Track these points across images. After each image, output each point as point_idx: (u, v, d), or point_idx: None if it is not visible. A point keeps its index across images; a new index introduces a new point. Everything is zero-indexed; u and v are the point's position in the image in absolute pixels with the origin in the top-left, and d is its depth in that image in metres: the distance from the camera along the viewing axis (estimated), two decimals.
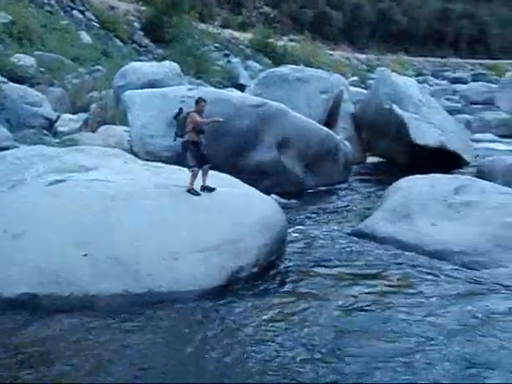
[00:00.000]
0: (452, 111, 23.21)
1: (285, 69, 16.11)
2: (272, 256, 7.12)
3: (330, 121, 14.60)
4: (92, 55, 25.14)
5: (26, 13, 24.28)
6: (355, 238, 8.44)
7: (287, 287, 6.52)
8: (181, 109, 7.42)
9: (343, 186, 12.58)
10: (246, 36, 51.64)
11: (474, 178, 9.83)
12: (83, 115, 15.43)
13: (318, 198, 11.49)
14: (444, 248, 7.47)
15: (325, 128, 12.67)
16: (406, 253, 7.62)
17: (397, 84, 15.23)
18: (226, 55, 40.40)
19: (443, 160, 13.77)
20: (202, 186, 7.33)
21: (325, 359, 4.82)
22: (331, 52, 63.52)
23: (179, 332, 5.30)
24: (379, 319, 5.60)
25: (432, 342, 5.08)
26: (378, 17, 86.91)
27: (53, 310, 5.58)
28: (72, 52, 23.81)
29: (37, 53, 21.04)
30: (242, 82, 29.87)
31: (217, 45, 43.09)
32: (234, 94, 14.33)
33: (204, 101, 7.34)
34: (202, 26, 42.84)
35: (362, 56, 72.22)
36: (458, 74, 64.91)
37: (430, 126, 14.39)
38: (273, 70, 17.14)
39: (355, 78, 44.66)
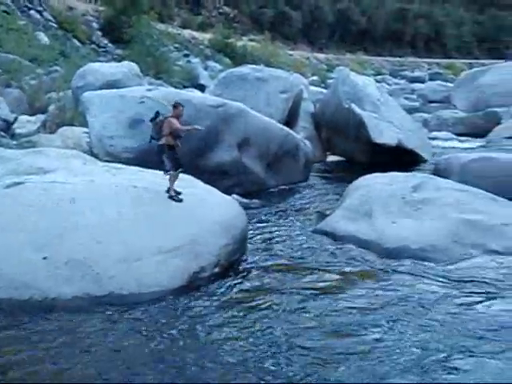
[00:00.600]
0: (410, 110, 23.72)
1: (244, 69, 16.13)
2: (234, 256, 7.16)
3: (290, 120, 14.69)
4: (50, 56, 24.83)
5: None
6: (316, 237, 8.53)
7: (248, 285, 6.60)
8: (157, 112, 7.28)
9: (304, 184, 12.67)
10: (206, 36, 51.72)
11: (431, 176, 9.99)
12: (41, 117, 15.22)
13: (280, 197, 11.55)
14: (403, 245, 7.59)
15: (285, 127, 12.74)
16: (366, 250, 7.75)
17: (356, 83, 15.35)
18: (186, 55, 40.40)
19: (402, 158, 14.00)
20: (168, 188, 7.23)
21: (285, 353, 4.90)
22: (291, 52, 64.03)
23: (141, 333, 5.28)
24: (336, 312, 5.79)
25: (385, 332, 5.34)
26: (336, 17, 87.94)
27: (12, 314, 5.50)
28: (30, 53, 23.48)
29: None
30: (202, 82, 29.90)
31: (176, 45, 43.05)
32: (194, 94, 14.30)
33: (182, 106, 7.21)
34: (162, 26, 42.79)
35: (322, 56, 72.96)
36: (416, 74, 66.15)
37: (388, 124, 14.55)
38: (232, 70, 17.19)
39: (315, 78, 45.15)
